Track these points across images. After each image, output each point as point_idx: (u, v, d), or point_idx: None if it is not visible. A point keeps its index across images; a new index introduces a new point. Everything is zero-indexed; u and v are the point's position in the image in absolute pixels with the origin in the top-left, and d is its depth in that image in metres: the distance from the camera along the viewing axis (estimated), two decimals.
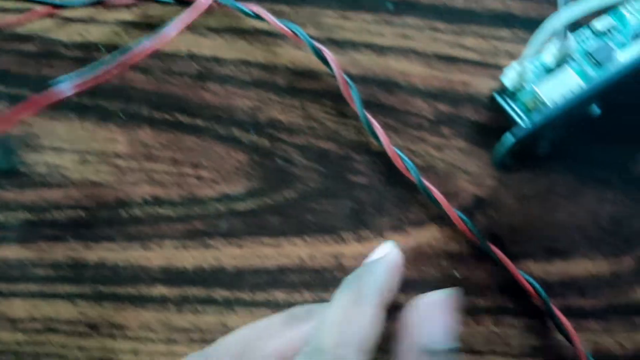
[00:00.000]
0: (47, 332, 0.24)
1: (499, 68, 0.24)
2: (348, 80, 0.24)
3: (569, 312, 0.23)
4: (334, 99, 0.25)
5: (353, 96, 0.24)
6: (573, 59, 0.23)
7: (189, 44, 0.26)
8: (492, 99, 0.24)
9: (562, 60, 0.23)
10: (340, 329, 0.18)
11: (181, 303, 0.24)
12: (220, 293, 0.24)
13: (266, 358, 0.19)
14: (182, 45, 0.26)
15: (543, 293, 0.23)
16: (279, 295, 0.24)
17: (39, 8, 0.26)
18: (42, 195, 0.25)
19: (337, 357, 0.17)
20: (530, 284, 0.23)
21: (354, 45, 0.26)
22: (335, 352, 0.17)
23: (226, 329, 0.24)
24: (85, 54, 0.26)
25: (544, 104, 0.23)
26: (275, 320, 0.20)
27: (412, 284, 0.24)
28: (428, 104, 0.25)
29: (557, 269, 0.24)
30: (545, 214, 0.24)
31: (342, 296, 0.19)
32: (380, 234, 0.24)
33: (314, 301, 0.24)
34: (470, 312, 0.24)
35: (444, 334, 0.19)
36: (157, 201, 0.25)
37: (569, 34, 0.22)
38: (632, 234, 0.23)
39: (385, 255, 0.22)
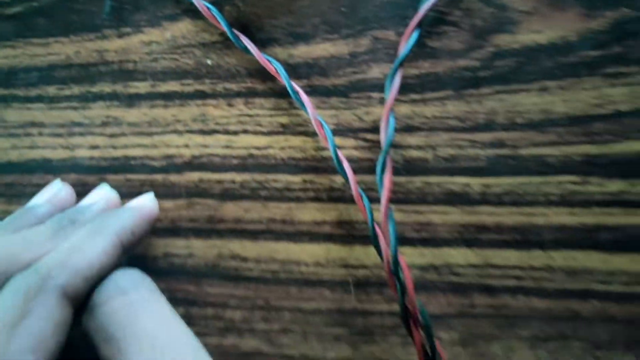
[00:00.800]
0: None
1: None
2: None
3: (313, 90, 0.25)
4: None
5: None
6: None
7: None
8: None
9: None
10: (64, 253, 0.20)
11: None
12: None
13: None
14: None
15: (285, 74, 0.25)
16: (50, 90, 0.26)
17: None
18: None
19: (48, 276, 0.19)
20: (275, 67, 0.25)
21: None
22: (50, 272, 0.19)
23: (5, 123, 0.26)
24: None
25: None
26: (42, 231, 0.21)
27: (169, 73, 0.26)
28: None
29: (301, 52, 0.25)
30: (288, 3, 0.25)
31: (83, 228, 0.21)
32: (139, 30, 0.26)
33: (81, 94, 0.26)
34: (223, 96, 0.26)
35: None
36: None
37: None
38: (368, 15, 0.25)
39: (141, 205, 0.23)
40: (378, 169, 0.23)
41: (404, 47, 0.24)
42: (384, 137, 0.24)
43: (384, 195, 0.23)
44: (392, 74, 0.24)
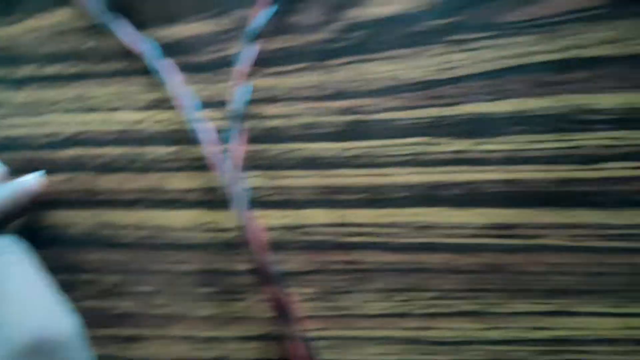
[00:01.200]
0: None
1: None
2: None
3: (184, 67, 0.27)
4: None
5: None
6: None
7: None
8: None
9: None
10: None
11: None
12: None
13: None
14: None
15: (151, 53, 0.27)
16: None
17: None
18: None
19: None
20: (141, 47, 0.27)
21: None
22: None
23: None
24: None
25: None
26: None
27: (53, 56, 0.28)
28: None
29: (172, 32, 0.27)
30: None
31: None
32: (30, 16, 0.28)
33: None
34: (101, 76, 0.28)
35: None
36: None
37: None
38: None
39: (25, 181, 0.26)
40: (225, 136, 0.25)
41: (253, 23, 0.26)
42: (232, 107, 0.26)
43: (234, 160, 0.25)
44: (240, 49, 0.26)
